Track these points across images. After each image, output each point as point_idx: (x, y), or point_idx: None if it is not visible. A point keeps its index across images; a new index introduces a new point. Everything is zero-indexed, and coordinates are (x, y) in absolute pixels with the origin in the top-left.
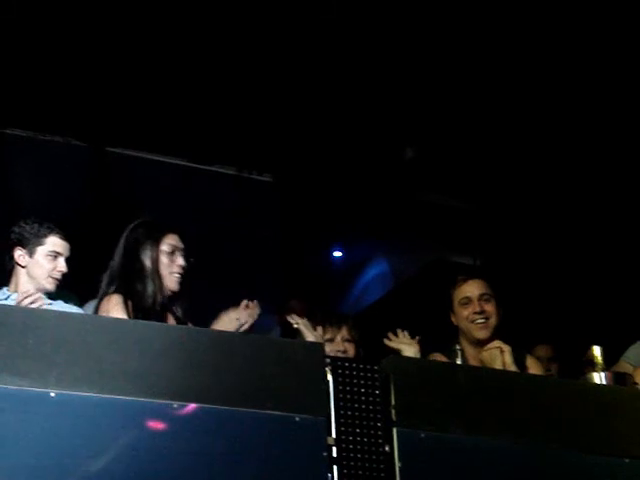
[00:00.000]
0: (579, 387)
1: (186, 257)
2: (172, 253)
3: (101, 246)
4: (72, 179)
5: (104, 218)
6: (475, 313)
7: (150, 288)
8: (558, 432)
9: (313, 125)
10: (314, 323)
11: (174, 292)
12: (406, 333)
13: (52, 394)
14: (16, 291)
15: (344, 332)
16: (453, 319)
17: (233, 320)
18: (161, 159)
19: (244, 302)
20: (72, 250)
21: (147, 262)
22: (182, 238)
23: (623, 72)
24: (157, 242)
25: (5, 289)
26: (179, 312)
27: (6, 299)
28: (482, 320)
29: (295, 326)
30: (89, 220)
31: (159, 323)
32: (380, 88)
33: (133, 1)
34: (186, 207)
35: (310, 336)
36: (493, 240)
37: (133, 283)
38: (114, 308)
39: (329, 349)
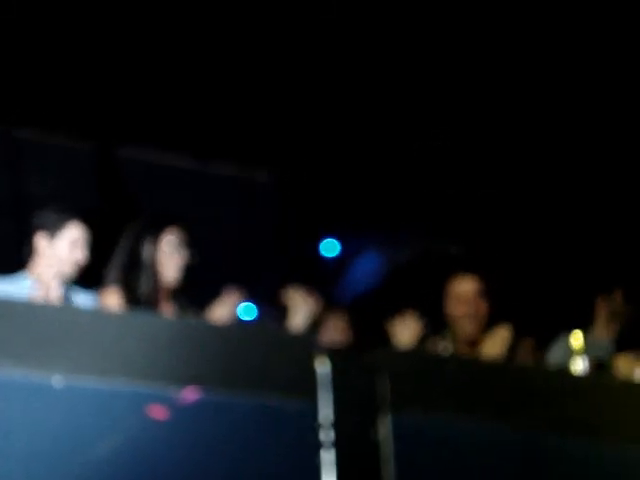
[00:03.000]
0: (565, 373)
1: (189, 249)
2: (172, 246)
3: (108, 244)
4: (80, 179)
5: (111, 218)
6: (468, 313)
7: (145, 281)
8: (553, 418)
9: (309, 123)
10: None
11: (175, 284)
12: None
13: (55, 384)
14: (37, 276)
15: (340, 320)
16: (445, 307)
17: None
18: (166, 158)
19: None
20: None
21: (145, 255)
22: (186, 230)
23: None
24: (156, 235)
25: (25, 273)
26: (179, 304)
27: (23, 283)
28: (473, 319)
29: (287, 301)
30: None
31: (159, 315)
32: (380, 82)
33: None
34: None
35: (301, 303)
36: (483, 229)
37: (129, 275)
38: (107, 298)
39: (325, 336)
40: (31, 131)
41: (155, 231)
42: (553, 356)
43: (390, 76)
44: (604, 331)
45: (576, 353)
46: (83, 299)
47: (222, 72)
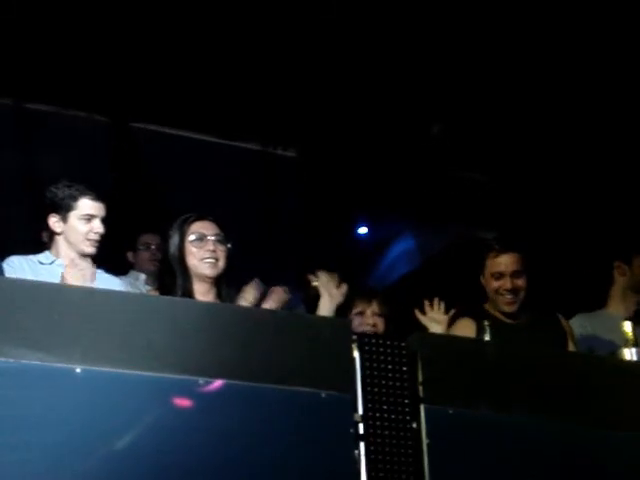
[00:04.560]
0: (609, 363)
1: (223, 242)
2: (200, 240)
3: (124, 221)
4: (95, 154)
5: (127, 194)
6: (505, 289)
7: (178, 279)
8: (587, 409)
9: (339, 101)
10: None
11: (211, 277)
12: (442, 305)
13: (78, 370)
14: (59, 256)
15: (374, 306)
16: (483, 281)
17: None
18: (185, 134)
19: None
20: None
21: (175, 254)
22: (217, 224)
23: None
24: (183, 232)
25: (48, 253)
26: (221, 298)
27: (51, 264)
28: (511, 296)
29: (314, 283)
30: (112, 196)
31: (185, 299)
32: (407, 64)
33: None
34: (209, 183)
35: (326, 295)
36: (519, 216)
37: (164, 277)
38: None
39: (358, 323)
40: (45, 105)
41: (180, 229)
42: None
43: (421, 56)
44: (620, 306)
45: (627, 344)
46: (107, 281)
47: (247, 46)
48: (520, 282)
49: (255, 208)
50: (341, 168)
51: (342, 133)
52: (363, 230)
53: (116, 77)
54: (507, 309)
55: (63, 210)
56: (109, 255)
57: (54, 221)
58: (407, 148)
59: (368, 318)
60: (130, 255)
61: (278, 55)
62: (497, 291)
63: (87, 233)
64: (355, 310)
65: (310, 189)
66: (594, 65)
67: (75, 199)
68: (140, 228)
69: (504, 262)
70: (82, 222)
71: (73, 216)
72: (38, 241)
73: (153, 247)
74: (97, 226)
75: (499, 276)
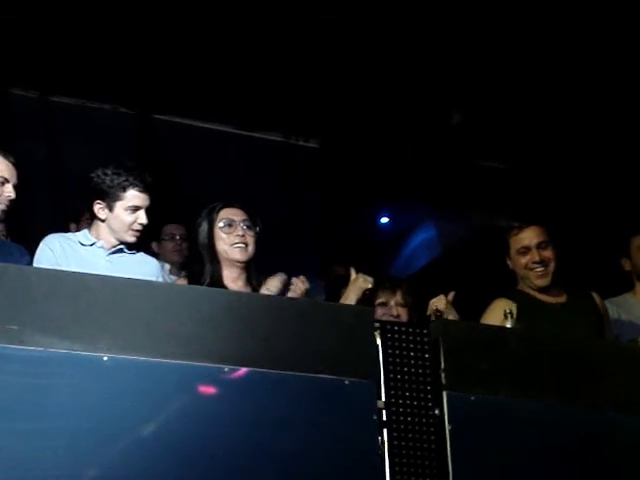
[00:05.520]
0: (631, 349)
1: (252, 227)
2: (230, 226)
3: (149, 212)
4: (119, 146)
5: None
6: (534, 262)
7: (207, 266)
8: (609, 395)
9: (360, 91)
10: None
11: (241, 262)
12: (451, 296)
13: (105, 358)
14: (99, 239)
15: (398, 296)
16: (510, 264)
17: (276, 287)
18: (206, 126)
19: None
20: None
21: (204, 241)
22: (245, 211)
23: None
24: (212, 219)
25: (87, 232)
26: (251, 286)
27: (91, 245)
28: (541, 268)
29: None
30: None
31: (210, 288)
32: (427, 53)
33: None
34: (232, 174)
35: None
36: (540, 204)
37: (193, 265)
38: None
39: (382, 313)
40: (70, 98)
41: (209, 216)
42: None
43: (441, 45)
44: None
45: None
46: (144, 262)
47: (269, 38)
48: (547, 253)
49: (277, 199)
50: (362, 158)
51: (363, 123)
52: (385, 220)
53: (140, 70)
54: (539, 283)
55: (110, 199)
56: (133, 246)
57: (99, 207)
58: (427, 137)
59: (392, 309)
60: (154, 245)
61: (300, 46)
62: (526, 266)
63: (132, 224)
64: (378, 300)
65: (331, 179)
66: (611, 51)
67: (124, 190)
68: (164, 219)
69: (527, 236)
70: (128, 213)
71: (119, 206)
72: (63, 230)
73: (178, 238)
74: (142, 217)
75: (525, 251)
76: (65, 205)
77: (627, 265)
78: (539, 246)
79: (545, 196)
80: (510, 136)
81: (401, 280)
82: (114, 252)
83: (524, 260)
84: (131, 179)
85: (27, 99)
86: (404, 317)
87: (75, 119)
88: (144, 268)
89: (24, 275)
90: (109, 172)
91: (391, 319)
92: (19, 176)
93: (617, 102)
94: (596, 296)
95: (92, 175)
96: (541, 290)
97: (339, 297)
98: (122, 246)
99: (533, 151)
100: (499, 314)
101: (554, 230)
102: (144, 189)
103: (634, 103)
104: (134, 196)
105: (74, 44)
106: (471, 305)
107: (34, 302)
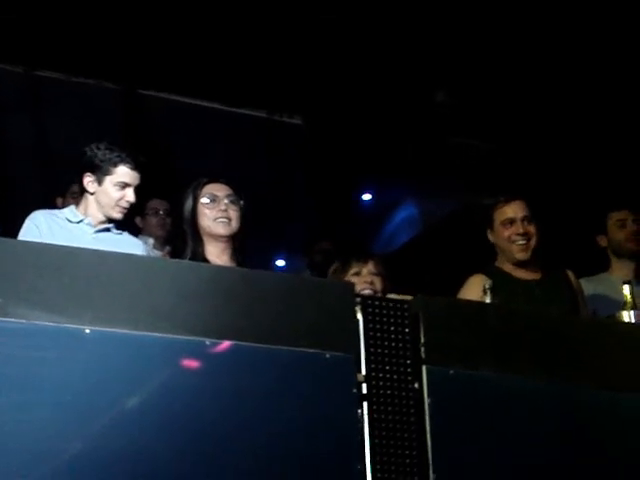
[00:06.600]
0: (609, 325)
1: (236, 202)
2: (213, 201)
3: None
4: (105, 121)
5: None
6: (517, 234)
7: (190, 242)
8: (589, 370)
9: (344, 68)
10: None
11: (224, 237)
12: None
13: (87, 331)
14: (87, 215)
15: (370, 266)
16: (491, 237)
17: None
18: (192, 102)
19: None
20: None
21: (188, 217)
22: (230, 186)
23: None
24: (196, 195)
25: (74, 208)
26: (237, 261)
27: (78, 222)
28: (524, 241)
29: None
30: None
31: (192, 262)
32: (411, 31)
33: None
34: (216, 150)
35: None
36: (522, 183)
37: (176, 241)
38: None
39: (356, 281)
40: (55, 72)
41: (194, 189)
42: None
43: (424, 23)
44: (620, 271)
45: (625, 307)
46: (130, 243)
47: (254, 14)
48: (531, 228)
49: (261, 175)
50: (346, 135)
51: (347, 101)
52: (367, 197)
53: (125, 45)
54: (520, 256)
55: (100, 172)
56: (120, 225)
57: (88, 180)
58: (411, 115)
59: (365, 276)
60: (138, 220)
61: (284, 23)
62: (509, 239)
63: (119, 200)
64: (352, 271)
65: (315, 156)
66: (597, 32)
67: (115, 165)
68: (148, 194)
69: (513, 209)
70: (116, 188)
71: (108, 181)
72: (49, 206)
73: (161, 213)
74: (130, 195)
75: (510, 223)
76: (51, 179)
77: (603, 242)
78: (524, 219)
79: (524, 173)
80: (493, 115)
81: (373, 252)
82: (101, 230)
83: (508, 232)
84: (123, 155)
85: (12, 74)
86: (378, 285)
87: (61, 94)
88: (129, 249)
89: (9, 248)
90: (102, 147)
91: (365, 287)
92: (4, 151)
93: (597, 80)
94: (570, 273)
95: (85, 149)
96: (518, 265)
97: (324, 272)
98: (110, 225)
99: (515, 130)
100: (477, 289)
101: (534, 207)
102: (135, 167)
103: (613, 81)
104: (124, 172)
105: (60, 18)
106: (450, 282)
107: (18, 275)
